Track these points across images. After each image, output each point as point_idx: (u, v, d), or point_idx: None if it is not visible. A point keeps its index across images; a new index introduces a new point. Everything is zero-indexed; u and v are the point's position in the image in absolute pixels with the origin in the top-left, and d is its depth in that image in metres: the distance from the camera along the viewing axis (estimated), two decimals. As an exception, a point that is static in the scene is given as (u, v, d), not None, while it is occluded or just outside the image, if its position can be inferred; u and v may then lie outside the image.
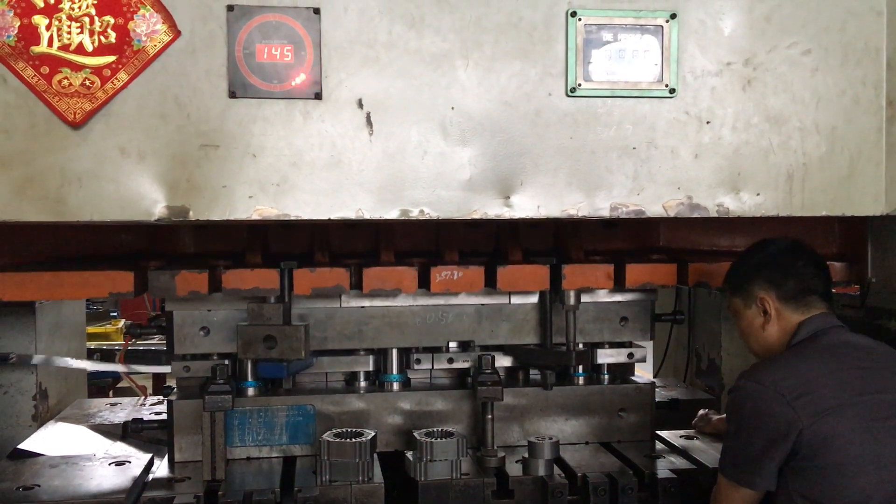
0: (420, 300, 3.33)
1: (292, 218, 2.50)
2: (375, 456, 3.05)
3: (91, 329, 7.06)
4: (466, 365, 3.43)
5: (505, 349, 3.44)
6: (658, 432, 3.49)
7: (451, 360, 3.43)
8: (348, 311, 3.32)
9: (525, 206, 2.57)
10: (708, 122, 2.65)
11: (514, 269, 3.12)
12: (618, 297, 3.45)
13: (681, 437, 3.48)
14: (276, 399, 3.27)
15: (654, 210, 2.59)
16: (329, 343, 3.33)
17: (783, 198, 2.63)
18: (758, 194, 2.62)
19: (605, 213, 2.58)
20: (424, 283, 3.08)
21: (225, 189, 2.45)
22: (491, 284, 3.12)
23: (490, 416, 3.15)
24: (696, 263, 3.22)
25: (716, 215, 2.60)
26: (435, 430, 3.10)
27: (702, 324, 4.43)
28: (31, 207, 2.39)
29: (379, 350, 3.40)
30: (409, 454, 3.04)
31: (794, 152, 2.70)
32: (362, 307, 3.32)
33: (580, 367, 3.46)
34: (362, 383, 3.43)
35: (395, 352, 3.40)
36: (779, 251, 2.72)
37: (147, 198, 2.41)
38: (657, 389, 3.75)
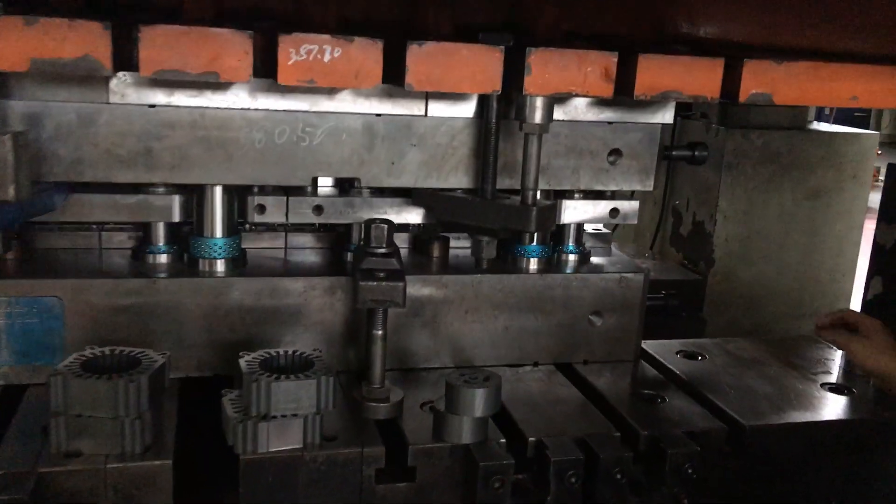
0: (263, 100, 1.82)
1: None
2: (169, 394, 1.64)
3: None
4: (346, 220, 2.01)
5: (414, 195, 2.01)
6: (643, 344, 2.21)
7: (318, 210, 1.98)
8: (123, 112, 1.78)
9: None
10: None
11: (439, 50, 1.64)
12: (607, 115, 2.04)
13: (678, 353, 2.21)
14: (-18, 284, 1.77)
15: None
16: (86, 171, 1.80)
17: None
18: None
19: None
20: (270, 69, 1.57)
21: None
22: (395, 79, 1.64)
23: (380, 332, 1.75)
24: (755, 61, 1.80)
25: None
26: (280, 352, 1.70)
27: (688, 171, 3.11)
28: None
29: (189, 188, 1.91)
30: (229, 399, 1.64)
31: None
32: (152, 107, 1.78)
33: (538, 237, 2.09)
34: (160, 258, 1.95)
35: (218, 192, 1.91)
36: None
37: None
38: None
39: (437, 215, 1.99)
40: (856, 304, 3.20)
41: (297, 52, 1.57)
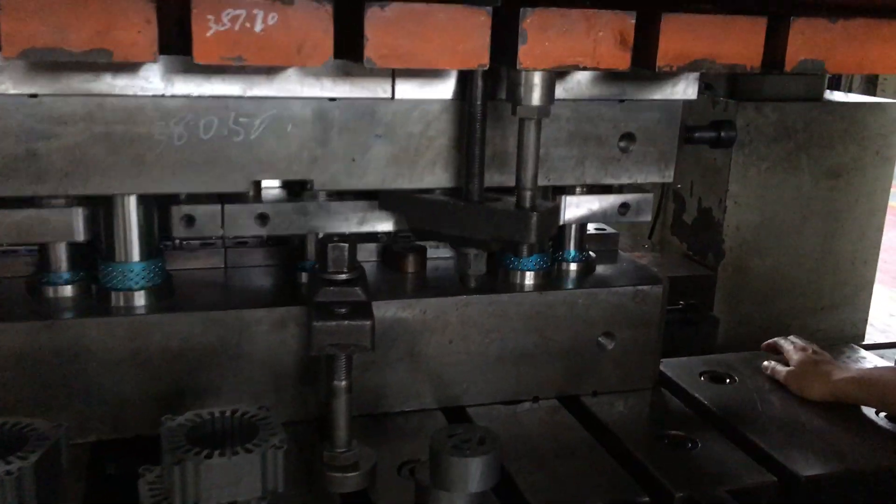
0: (181, 83, 1.41)
1: None
2: (73, 472, 1.25)
3: None
4: (298, 231, 1.62)
5: (381, 199, 1.61)
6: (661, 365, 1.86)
7: (263, 219, 1.57)
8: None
9: None
10: None
11: (407, 14, 1.25)
12: (617, 90, 1.65)
13: (703, 376, 1.86)
14: None
15: None
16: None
17: None
18: None
19: None
20: (188, 43, 1.17)
21: None
22: (352, 52, 1.26)
23: (343, 383, 1.37)
24: (804, 19, 1.43)
25: None
26: (215, 414, 1.32)
27: (691, 148, 2.73)
28: None
29: (89, 200, 1.50)
30: (148, 482, 1.26)
31: None
32: (33, 97, 1.37)
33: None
34: (63, 290, 1.55)
35: (132, 203, 1.51)
36: None
37: None
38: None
39: (411, 223, 1.60)
40: (876, 294, 2.88)
41: (217, 19, 1.18)
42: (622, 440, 1.57)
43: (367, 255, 1.80)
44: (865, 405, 1.74)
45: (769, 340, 2.01)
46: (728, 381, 1.85)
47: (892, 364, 1.98)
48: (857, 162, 2.68)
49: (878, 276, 2.85)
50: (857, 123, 2.65)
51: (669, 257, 2.78)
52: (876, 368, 1.82)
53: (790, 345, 1.92)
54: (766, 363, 1.90)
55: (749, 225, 2.64)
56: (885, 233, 2.82)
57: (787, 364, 1.86)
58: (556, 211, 1.57)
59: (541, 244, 1.69)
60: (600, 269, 1.84)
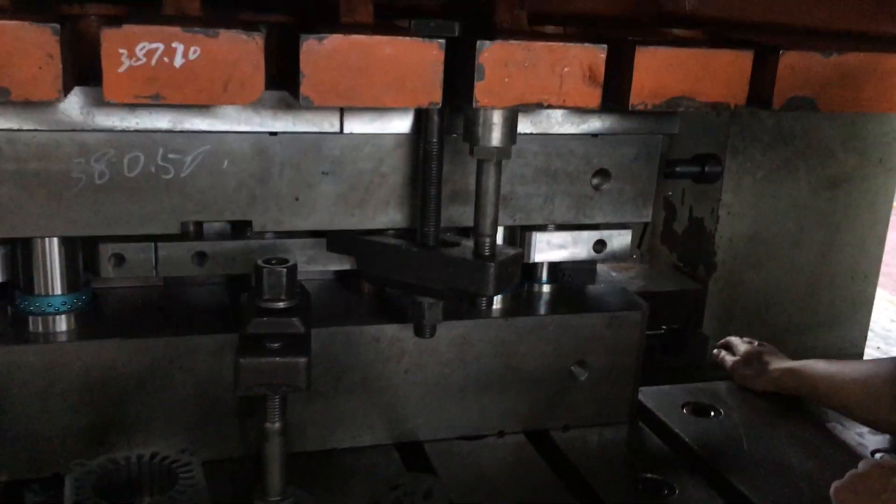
0: (102, 116, 1.27)
1: None
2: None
3: None
4: (240, 271, 1.48)
5: (329, 241, 1.47)
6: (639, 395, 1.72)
7: (201, 258, 1.45)
8: None
9: None
10: None
11: (350, 46, 1.11)
12: (591, 124, 1.50)
13: (685, 407, 1.72)
14: None
15: None
16: None
17: None
18: None
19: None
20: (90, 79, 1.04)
21: None
22: (289, 85, 1.13)
23: (276, 426, 1.23)
24: (795, 53, 1.29)
25: None
26: (131, 459, 1.18)
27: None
28: None
29: (8, 243, 1.36)
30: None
31: None
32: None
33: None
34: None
35: (53, 245, 1.36)
36: None
37: None
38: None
39: (361, 267, 1.47)
40: (878, 298, 2.75)
41: (130, 53, 1.03)
42: (592, 485, 1.44)
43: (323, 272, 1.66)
44: (800, 395, 1.77)
45: (722, 340, 2.10)
46: (713, 413, 1.71)
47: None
48: (858, 171, 2.54)
49: (880, 280, 2.73)
50: (859, 131, 2.50)
51: (658, 269, 2.63)
52: (810, 360, 1.81)
53: (738, 339, 2.03)
54: (715, 350, 2.00)
55: (742, 236, 2.50)
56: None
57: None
58: (518, 259, 1.43)
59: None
60: (575, 290, 1.70)
